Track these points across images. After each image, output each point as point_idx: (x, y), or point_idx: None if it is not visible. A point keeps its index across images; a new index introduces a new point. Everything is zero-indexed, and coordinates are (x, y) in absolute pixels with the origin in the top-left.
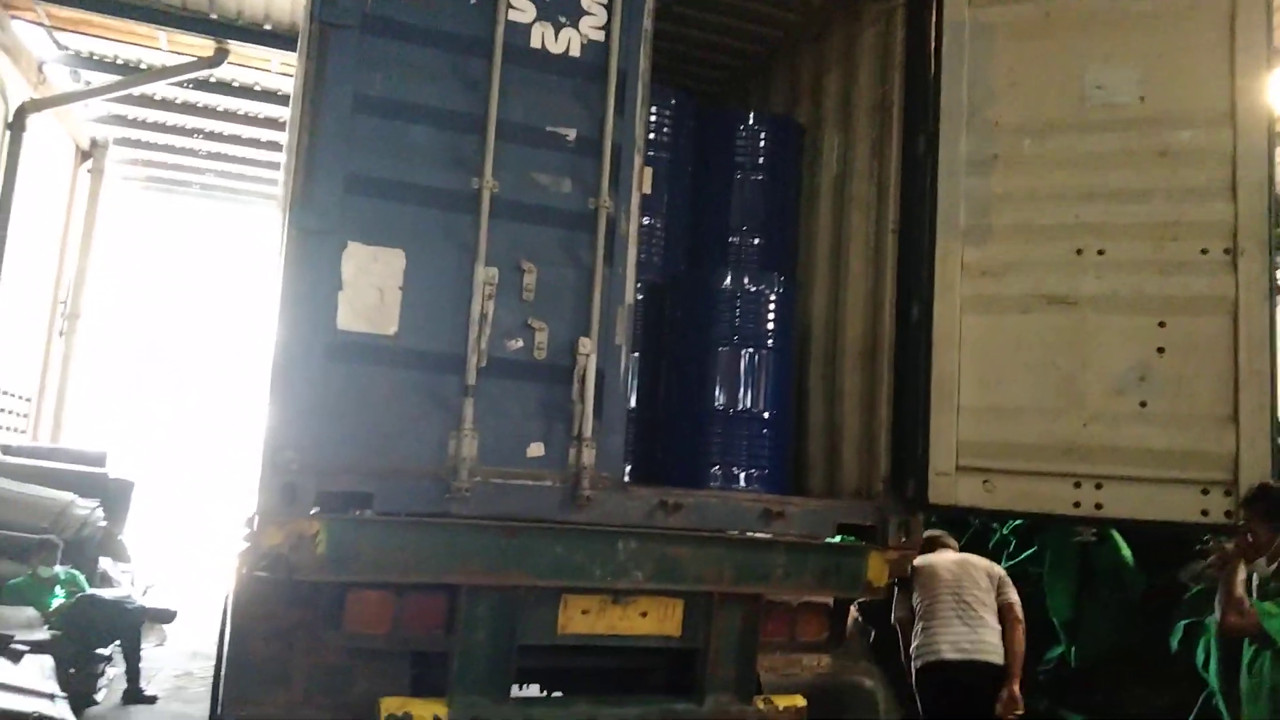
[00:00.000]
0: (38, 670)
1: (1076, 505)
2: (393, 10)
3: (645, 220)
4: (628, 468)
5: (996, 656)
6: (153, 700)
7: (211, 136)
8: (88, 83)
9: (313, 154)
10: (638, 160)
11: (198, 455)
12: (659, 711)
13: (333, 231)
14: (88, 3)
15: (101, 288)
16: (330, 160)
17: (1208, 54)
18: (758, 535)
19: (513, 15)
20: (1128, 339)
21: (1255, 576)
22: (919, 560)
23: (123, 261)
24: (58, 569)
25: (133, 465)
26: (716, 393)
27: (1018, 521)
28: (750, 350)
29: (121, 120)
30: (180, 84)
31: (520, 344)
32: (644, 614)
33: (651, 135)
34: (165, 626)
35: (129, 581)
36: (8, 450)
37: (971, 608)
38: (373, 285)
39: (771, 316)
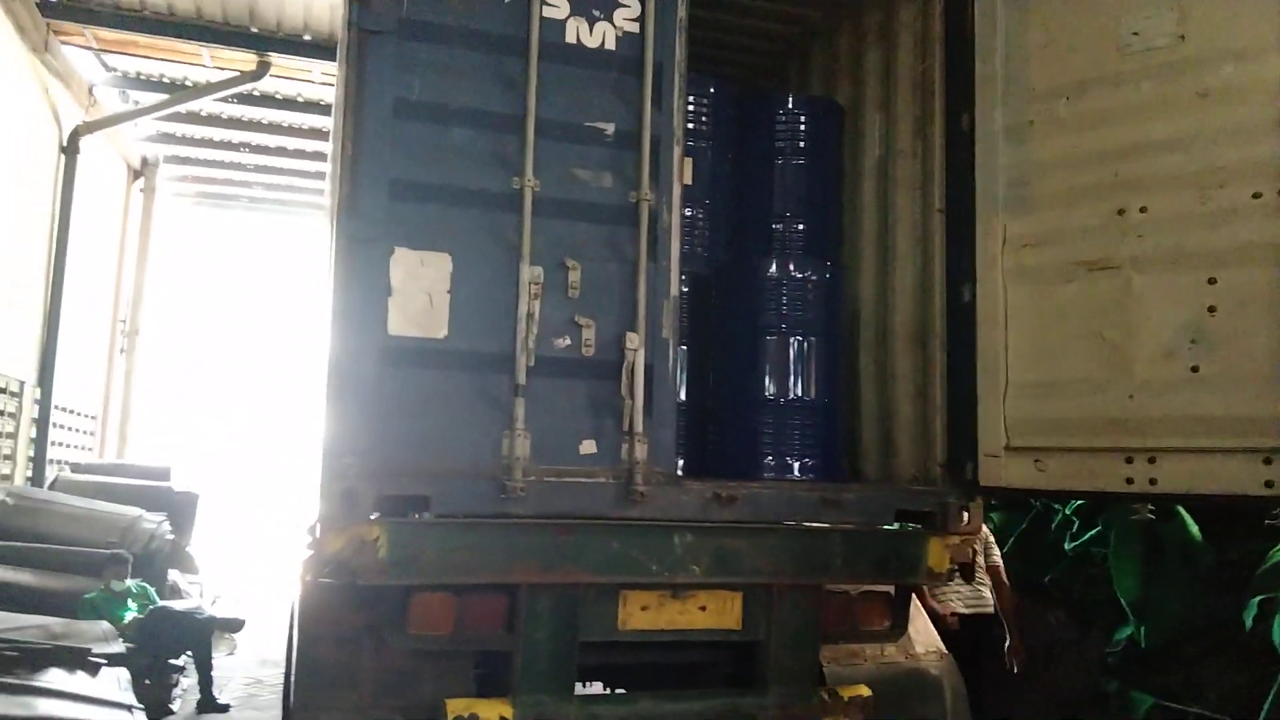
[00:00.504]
0: (114, 683)
1: (1130, 482)
2: (428, 13)
3: (687, 211)
4: (680, 461)
5: (991, 610)
6: (226, 708)
7: (258, 149)
8: (136, 102)
9: (356, 161)
10: (677, 151)
11: (259, 465)
12: (722, 705)
13: (380, 238)
14: (132, 23)
15: (159, 304)
16: (374, 167)
17: None
18: (814, 525)
19: (547, 11)
20: (1176, 300)
21: None
22: None
23: (178, 277)
24: (129, 582)
25: (197, 478)
26: (766, 382)
27: (1080, 502)
28: (799, 337)
29: (170, 138)
30: (225, 99)
31: (568, 341)
32: (703, 608)
33: (690, 125)
34: (235, 635)
35: (198, 592)
36: (76, 468)
37: None
38: (421, 290)
39: (819, 302)
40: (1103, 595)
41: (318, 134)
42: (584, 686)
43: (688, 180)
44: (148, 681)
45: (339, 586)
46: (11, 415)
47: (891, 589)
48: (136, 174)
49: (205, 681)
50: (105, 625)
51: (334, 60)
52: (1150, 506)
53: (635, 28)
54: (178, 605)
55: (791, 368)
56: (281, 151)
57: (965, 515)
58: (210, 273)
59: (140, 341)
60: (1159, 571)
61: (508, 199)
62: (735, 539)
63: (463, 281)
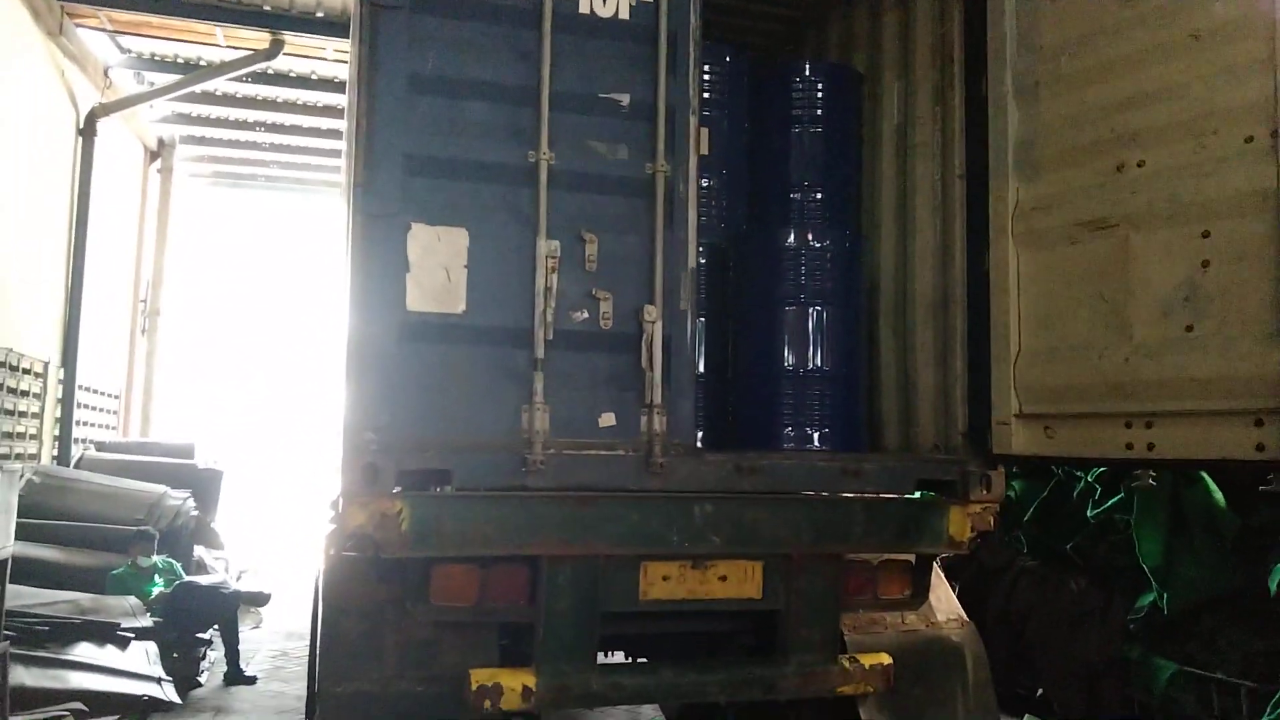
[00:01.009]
0: (143, 656)
1: (1129, 447)
2: None
3: (704, 181)
4: (699, 433)
5: None
6: (253, 680)
7: (273, 128)
8: (151, 84)
9: (371, 137)
10: (693, 121)
11: (282, 441)
12: (743, 674)
13: (396, 214)
14: (146, 4)
15: (178, 284)
16: (389, 143)
17: None
18: (835, 495)
19: None
20: (1171, 256)
21: None
22: None
23: (196, 257)
24: (155, 558)
25: (220, 454)
26: (785, 352)
27: (1102, 469)
28: (818, 307)
29: (186, 118)
30: (239, 78)
31: (586, 315)
32: (723, 578)
33: (706, 94)
34: (260, 609)
35: (223, 568)
36: (101, 447)
37: None
38: (439, 265)
39: (838, 271)
40: (1125, 562)
41: (333, 112)
42: (606, 656)
43: (704, 150)
44: (175, 655)
45: (362, 560)
46: (36, 395)
47: (912, 558)
48: (153, 155)
49: (232, 654)
50: (133, 600)
51: (347, 37)
52: (1152, 473)
53: None
54: (203, 580)
55: (810, 338)
56: (297, 130)
57: (987, 483)
58: (229, 252)
59: (161, 322)
60: (1182, 538)
61: (523, 172)
62: (755, 510)
63: (480, 256)
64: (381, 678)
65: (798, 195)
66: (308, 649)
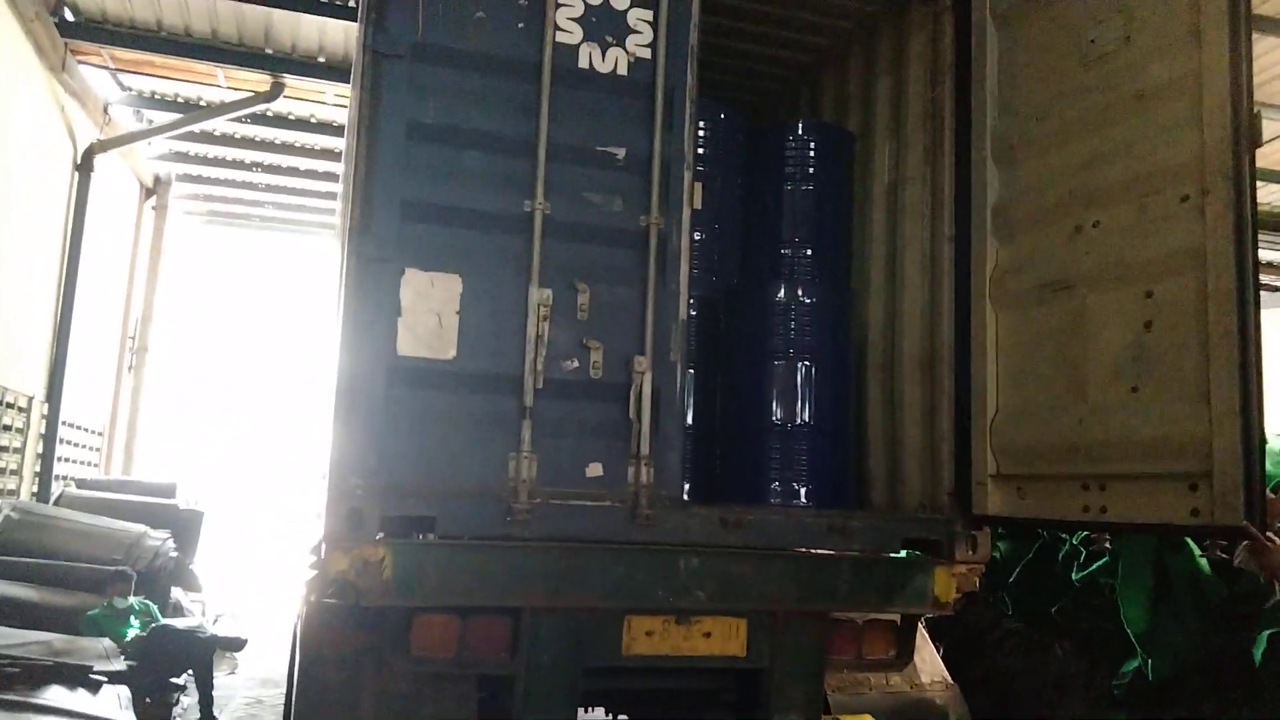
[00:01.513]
0: (115, 700)
1: (1086, 510)
2: (443, 38)
3: (697, 235)
4: (686, 485)
5: None
6: None
7: (270, 169)
8: (150, 121)
9: (369, 183)
10: (688, 176)
11: (265, 482)
12: None
13: (391, 259)
14: (149, 43)
15: (168, 321)
16: (386, 188)
17: None
18: (821, 552)
19: (560, 37)
20: (1120, 317)
21: None
22: None
23: (187, 295)
24: (132, 600)
25: (202, 494)
26: (774, 407)
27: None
28: (807, 363)
29: (183, 157)
30: (239, 119)
31: (576, 364)
32: (708, 634)
33: (701, 150)
34: (236, 654)
35: (200, 610)
36: (82, 484)
37: None
38: (431, 310)
39: (827, 328)
40: (1110, 626)
41: (330, 154)
42: (587, 712)
43: (698, 205)
44: (148, 700)
45: (342, 607)
46: (19, 430)
47: (898, 617)
48: (149, 192)
49: (205, 700)
50: (107, 642)
51: (347, 82)
52: (1108, 537)
53: (647, 54)
54: (180, 623)
55: (799, 393)
56: (293, 171)
57: (972, 543)
58: (220, 290)
59: (149, 358)
60: (1167, 604)
61: (518, 221)
62: (741, 564)
63: (472, 303)
64: None
65: (789, 251)
66: (283, 697)
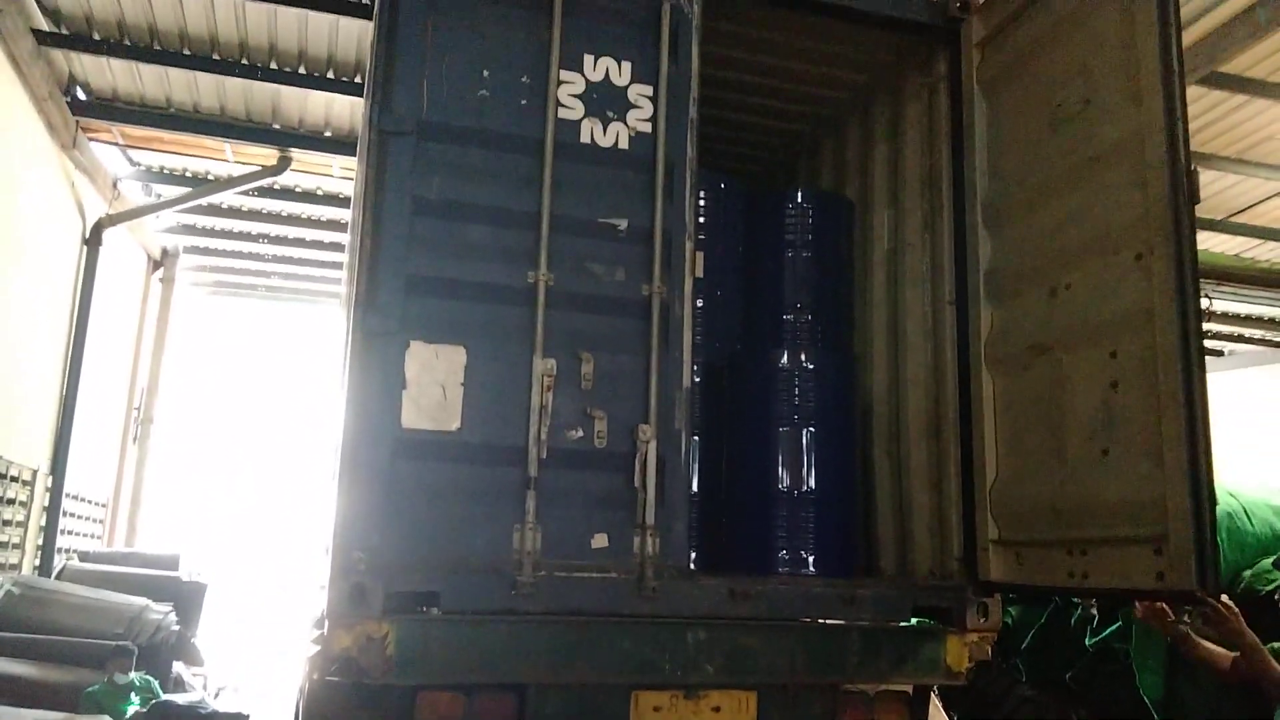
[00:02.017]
0: None
1: (1070, 575)
2: (447, 116)
3: (699, 303)
4: (693, 554)
5: None
6: None
7: (276, 240)
8: (158, 195)
9: (375, 257)
10: (689, 245)
11: (269, 554)
12: None
13: (396, 332)
14: (158, 120)
15: (173, 392)
16: (392, 262)
17: (1120, 26)
18: (831, 622)
19: (562, 114)
20: (1091, 377)
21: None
22: None
23: (193, 366)
24: (132, 675)
25: (205, 566)
26: (780, 474)
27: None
28: (811, 429)
29: (190, 229)
30: (246, 192)
31: (580, 434)
32: (717, 708)
33: (702, 219)
34: None
35: (202, 684)
36: (84, 556)
37: None
38: (436, 382)
39: (831, 393)
40: (1125, 693)
41: (336, 226)
42: None
43: (699, 273)
44: None
45: (345, 683)
46: (23, 504)
47: (910, 688)
48: (156, 264)
49: None
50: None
51: (354, 155)
52: (1093, 603)
53: (648, 128)
54: (181, 699)
55: (805, 459)
56: (300, 243)
57: (984, 611)
58: (225, 361)
59: (153, 429)
60: (1184, 670)
61: (522, 293)
62: (750, 637)
63: (476, 374)
64: None
65: (790, 317)
66: None
